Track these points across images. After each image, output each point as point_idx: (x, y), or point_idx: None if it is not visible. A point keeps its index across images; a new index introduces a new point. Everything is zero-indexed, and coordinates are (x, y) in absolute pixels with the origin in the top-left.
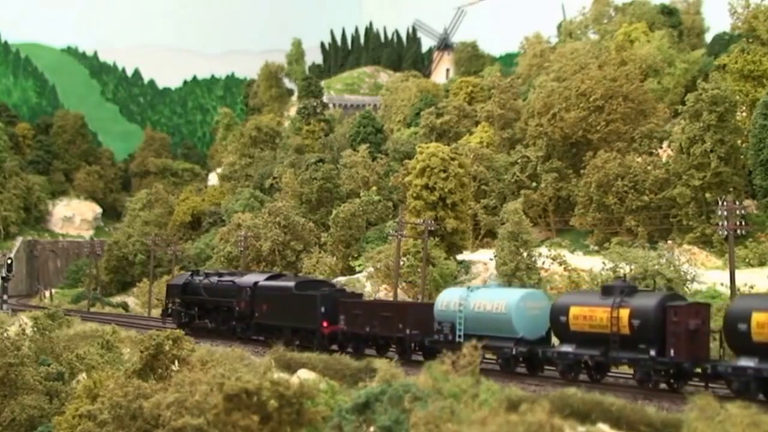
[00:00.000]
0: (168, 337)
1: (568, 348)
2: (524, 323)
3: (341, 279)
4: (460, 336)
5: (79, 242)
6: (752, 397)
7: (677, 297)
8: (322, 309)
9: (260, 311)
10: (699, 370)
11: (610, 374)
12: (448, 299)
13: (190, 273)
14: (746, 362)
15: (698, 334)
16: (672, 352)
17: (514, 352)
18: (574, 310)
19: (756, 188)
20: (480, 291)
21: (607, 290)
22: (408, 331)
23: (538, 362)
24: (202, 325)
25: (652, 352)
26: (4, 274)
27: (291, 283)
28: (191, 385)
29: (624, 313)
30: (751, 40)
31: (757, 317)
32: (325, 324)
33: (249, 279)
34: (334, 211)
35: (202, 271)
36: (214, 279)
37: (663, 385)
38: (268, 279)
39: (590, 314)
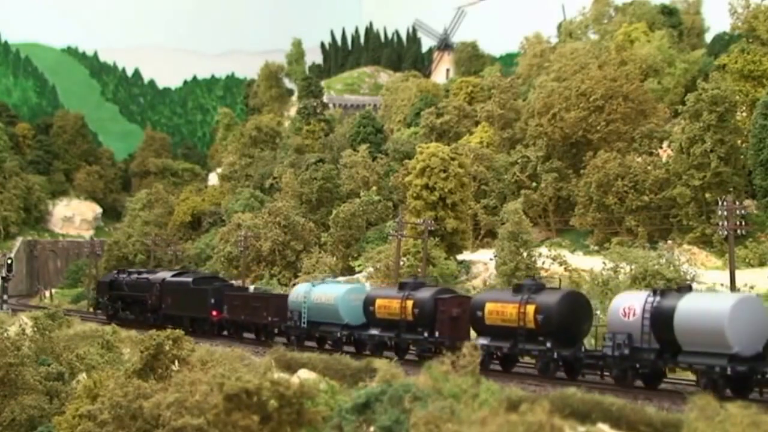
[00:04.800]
0: (168, 337)
1: (375, 331)
2: (348, 312)
3: (340, 279)
4: (304, 322)
5: (79, 242)
6: (486, 368)
7: (447, 291)
8: (212, 300)
9: (167, 303)
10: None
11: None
12: (297, 292)
13: (116, 271)
14: (483, 340)
15: (459, 320)
16: (437, 333)
17: (339, 335)
18: (378, 302)
19: (756, 188)
20: (320, 285)
21: (401, 286)
22: (270, 318)
23: (359, 343)
24: (124, 317)
25: (426, 334)
26: (4, 274)
27: (189, 279)
28: (191, 385)
29: (409, 304)
30: (751, 40)
31: (489, 306)
32: (214, 313)
33: (159, 276)
34: (334, 211)
35: (126, 269)
36: (134, 276)
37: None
38: (173, 276)
39: (388, 305)
